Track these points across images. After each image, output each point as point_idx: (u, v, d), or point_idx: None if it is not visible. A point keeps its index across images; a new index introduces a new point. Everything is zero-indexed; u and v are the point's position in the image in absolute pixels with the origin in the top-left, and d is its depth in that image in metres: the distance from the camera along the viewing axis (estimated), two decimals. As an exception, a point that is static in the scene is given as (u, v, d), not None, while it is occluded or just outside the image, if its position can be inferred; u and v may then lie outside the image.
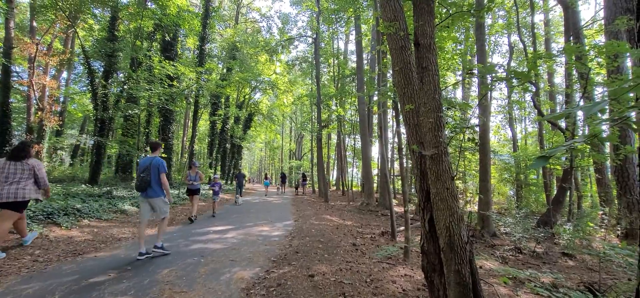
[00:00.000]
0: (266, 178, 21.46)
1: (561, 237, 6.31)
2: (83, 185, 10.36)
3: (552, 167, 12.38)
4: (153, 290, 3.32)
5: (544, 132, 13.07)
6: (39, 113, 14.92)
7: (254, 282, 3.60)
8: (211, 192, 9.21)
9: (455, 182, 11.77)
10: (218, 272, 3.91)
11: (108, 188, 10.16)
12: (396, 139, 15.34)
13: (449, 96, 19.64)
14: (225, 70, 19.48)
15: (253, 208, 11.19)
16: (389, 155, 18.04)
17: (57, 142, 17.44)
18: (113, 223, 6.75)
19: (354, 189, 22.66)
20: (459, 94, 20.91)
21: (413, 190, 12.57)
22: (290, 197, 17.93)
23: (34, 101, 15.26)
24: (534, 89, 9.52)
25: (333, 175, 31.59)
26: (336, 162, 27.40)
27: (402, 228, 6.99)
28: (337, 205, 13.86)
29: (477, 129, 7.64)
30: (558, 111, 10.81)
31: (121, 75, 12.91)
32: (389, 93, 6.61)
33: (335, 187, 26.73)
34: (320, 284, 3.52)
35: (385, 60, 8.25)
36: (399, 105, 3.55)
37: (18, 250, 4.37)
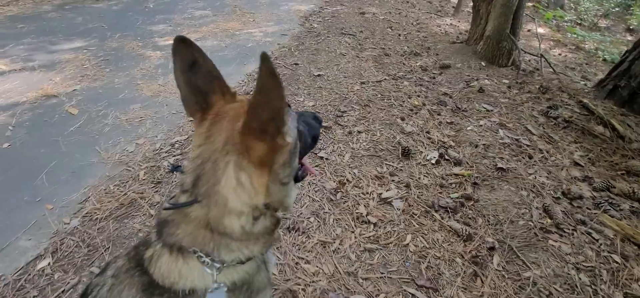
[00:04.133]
0: None
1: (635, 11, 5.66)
2: None
3: None
4: (225, 9, 3.91)
5: None
6: None
7: (310, 13, 4.05)
8: None
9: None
10: (277, 4, 4.33)
11: None
12: None
13: None
14: None
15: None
16: None
17: None
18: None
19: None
20: None
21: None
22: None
23: None
24: None
25: None
26: None
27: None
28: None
29: None
30: None
31: None
32: None
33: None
34: (370, 19, 3.90)
35: None
36: None
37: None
